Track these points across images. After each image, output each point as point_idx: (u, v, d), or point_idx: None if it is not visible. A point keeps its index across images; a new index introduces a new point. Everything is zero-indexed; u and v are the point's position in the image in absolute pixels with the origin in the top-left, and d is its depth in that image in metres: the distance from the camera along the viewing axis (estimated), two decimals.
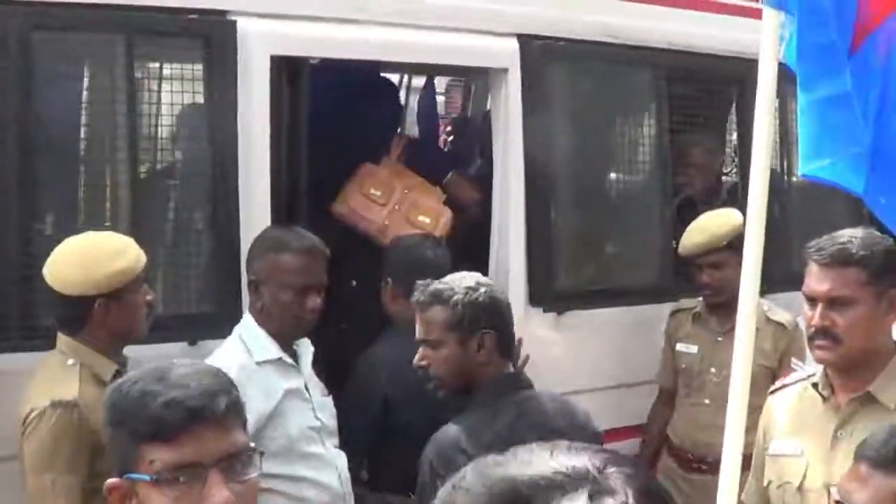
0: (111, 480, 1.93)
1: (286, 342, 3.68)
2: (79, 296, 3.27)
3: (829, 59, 2.52)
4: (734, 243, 4.45)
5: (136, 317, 3.39)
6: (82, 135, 3.90)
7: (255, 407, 3.46)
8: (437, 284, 3.24)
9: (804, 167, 2.59)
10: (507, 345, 3.28)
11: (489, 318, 3.20)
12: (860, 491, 2.33)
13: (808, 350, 3.19)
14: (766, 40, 2.57)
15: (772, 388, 3.24)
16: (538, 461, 1.12)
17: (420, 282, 3.29)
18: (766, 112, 2.56)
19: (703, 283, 4.65)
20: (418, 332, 3.27)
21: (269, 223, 4.00)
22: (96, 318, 3.30)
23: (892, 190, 2.57)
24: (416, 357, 3.27)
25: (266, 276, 3.65)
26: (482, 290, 3.21)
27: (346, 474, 3.74)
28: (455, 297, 3.18)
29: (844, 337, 2.90)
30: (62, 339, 3.35)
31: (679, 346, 4.75)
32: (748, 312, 2.61)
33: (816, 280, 2.94)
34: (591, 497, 1.07)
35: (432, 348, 3.23)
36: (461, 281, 3.24)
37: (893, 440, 2.35)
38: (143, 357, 3.57)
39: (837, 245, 2.93)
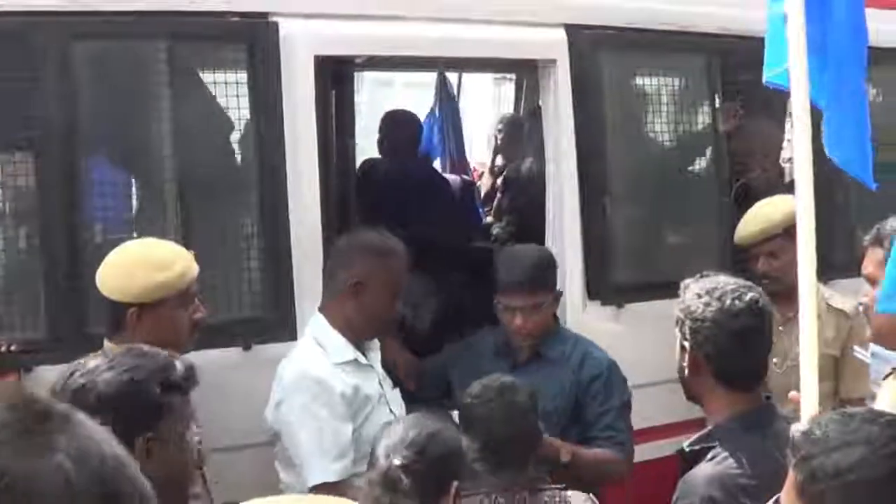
0: None
1: (360, 342, 3.68)
2: (116, 301, 3.28)
3: None
4: (791, 230, 4.35)
5: (173, 331, 3.32)
6: (127, 143, 3.90)
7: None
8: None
9: (767, 74, 2.96)
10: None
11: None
12: None
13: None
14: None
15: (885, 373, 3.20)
16: None
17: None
18: (802, 98, 2.58)
19: (761, 273, 4.53)
20: None
21: (319, 226, 3.98)
22: (129, 325, 3.28)
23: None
24: None
25: (371, 279, 3.64)
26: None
27: None
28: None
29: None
30: (106, 343, 3.34)
31: None
32: (808, 300, 2.55)
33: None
34: None
35: None
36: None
37: None
38: (201, 363, 3.57)
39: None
